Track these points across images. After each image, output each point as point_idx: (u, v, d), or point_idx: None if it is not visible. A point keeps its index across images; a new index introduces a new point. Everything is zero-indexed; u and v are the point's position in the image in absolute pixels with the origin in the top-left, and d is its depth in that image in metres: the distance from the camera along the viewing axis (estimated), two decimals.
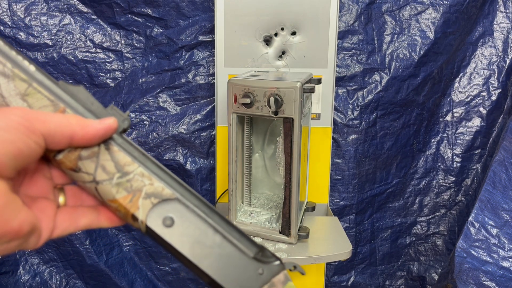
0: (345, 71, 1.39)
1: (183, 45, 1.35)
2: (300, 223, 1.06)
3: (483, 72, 1.44)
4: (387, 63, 1.39)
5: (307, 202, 1.18)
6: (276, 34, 1.15)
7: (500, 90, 1.44)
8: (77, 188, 0.35)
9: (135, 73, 1.37)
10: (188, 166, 1.41)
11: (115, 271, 1.46)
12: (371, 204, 1.52)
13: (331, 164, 1.36)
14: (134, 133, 1.38)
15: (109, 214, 0.34)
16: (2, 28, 1.28)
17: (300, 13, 1.13)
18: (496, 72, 1.43)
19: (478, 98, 1.46)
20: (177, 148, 1.41)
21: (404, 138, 1.47)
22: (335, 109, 1.40)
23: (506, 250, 1.15)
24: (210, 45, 1.35)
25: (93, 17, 1.34)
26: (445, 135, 1.50)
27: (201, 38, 1.34)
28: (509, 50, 1.42)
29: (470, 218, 1.19)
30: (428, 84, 1.42)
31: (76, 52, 1.34)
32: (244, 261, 0.34)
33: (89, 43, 1.34)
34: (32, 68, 0.31)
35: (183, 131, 1.39)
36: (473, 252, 1.16)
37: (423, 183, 1.53)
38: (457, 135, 1.49)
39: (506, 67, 1.43)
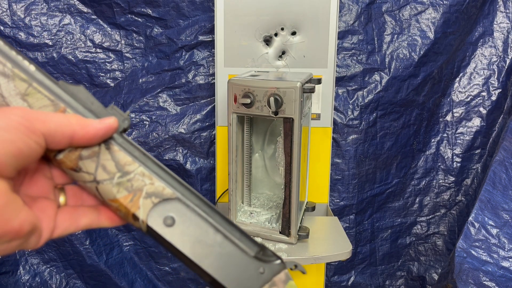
0: (345, 71, 1.39)
1: (183, 45, 1.35)
2: (300, 223, 1.06)
3: (483, 72, 1.44)
4: (387, 63, 1.39)
5: (307, 202, 1.18)
6: (276, 34, 1.15)
7: (500, 90, 1.44)
8: (78, 188, 0.35)
9: (135, 73, 1.37)
10: (188, 166, 1.41)
11: (115, 271, 1.46)
12: (371, 204, 1.52)
13: (331, 164, 1.36)
14: (134, 133, 1.38)
15: (109, 214, 0.34)
16: (2, 28, 1.28)
17: (300, 13, 1.13)
18: (496, 72, 1.43)
19: (478, 98, 1.46)
20: (177, 148, 1.41)
21: (404, 138, 1.47)
22: (335, 109, 1.40)
23: (506, 250, 1.15)
24: (210, 45, 1.35)
25: (93, 17, 1.34)
26: (445, 135, 1.50)
27: (201, 38, 1.35)
28: (509, 50, 1.42)
29: (470, 218, 1.19)
30: (428, 84, 1.42)
31: (76, 52, 1.34)
32: (245, 260, 0.34)
33: (89, 43, 1.34)
34: (32, 68, 0.31)
35: (183, 131, 1.39)
36: (473, 252, 1.16)
37: (423, 183, 1.53)
38: (457, 135, 1.49)
39: (506, 67, 1.43)
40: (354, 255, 1.55)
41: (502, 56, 1.42)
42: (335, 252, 1.00)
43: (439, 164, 1.51)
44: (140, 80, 1.38)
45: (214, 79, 1.27)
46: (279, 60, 1.17)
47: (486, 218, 1.19)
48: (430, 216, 1.55)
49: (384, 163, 1.48)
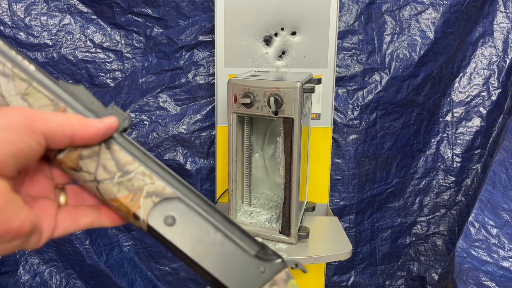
0: (345, 71, 1.39)
1: (183, 45, 1.35)
2: (300, 223, 1.06)
3: (483, 72, 1.44)
4: (387, 63, 1.39)
5: (307, 202, 1.18)
6: (276, 34, 1.16)
7: (500, 90, 1.44)
8: (78, 187, 0.35)
9: (135, 73, 1.37)
10: (188, 166, 1.41)
11: (115, 271, 1.46)
12: (371, 204, 1.52)
13: (331, 164, 1.36)
14: (134, 133, 1.38)
15: (110, 213, 0.34)
16: (2, 28, 1.28)
17: (300, 13, 1.13)
18: (496, 72, 1.44)
19: (478, 98, 1.46)
20: (177, 148, 1.41)
21: (404, 138, 1.47)
22: (335, 109, 1.40)
23: (506, 250, 1.15)
24: (210, 45, 1.35)
25: (93, 17, 1.34)
26: (445, 135, 1.50)
27: (201, 38, 1.35)
28: (509, 50, 1.42)
29: (470, 218, 1.19)
30: (428, 84, 1.42)
31: (76, 52, 1.34)
32: (246, 259, 0.34)
33: (89, 43, 1.34)
34: (32, 67, 0.31)
35: (183, 131, 1.39)
36: (473, 252, 1.16)
37: (423, 183, 1.53)
38: (457, 135, 1.49)
39: (506, 67, 1.43)
40: (354, 255, 1.55)
41: (502, 56, 1.42)
42: (335, 252, 1.00)
43: (439, 164, 1.51)
44: (140, 80, 1.38)
45: (214, 79, 1.27)
46: (279, 60, 1.17)
47: (486, 218, 1.19)
48: (430, 216, 1.55)
49: (384, 163, 1.48)
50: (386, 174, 1.50)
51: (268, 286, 0.34)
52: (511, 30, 1.41)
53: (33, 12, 1.30)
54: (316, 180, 1.24)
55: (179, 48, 1.35)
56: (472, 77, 1.45)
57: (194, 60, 1.36)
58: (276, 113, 0.91)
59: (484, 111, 1.46)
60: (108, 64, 1.36)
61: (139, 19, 1.34)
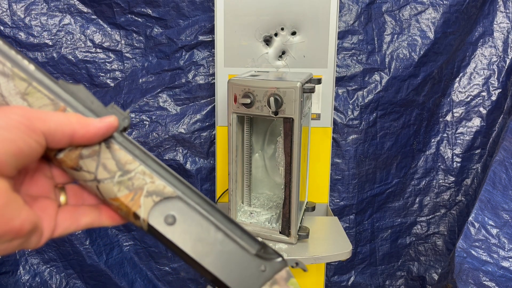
0: (345, 71, 1.39)
1: (183, 45, 1.35)
2: (300, 223, 1.06)
3: (483, 72, 1.44)
4: (387, 63, 1.39)
5: (307, 202, 1.18)
6: (276, 34, 1.16)
7: (500, 90, 1.44)
8: (78, 187, 0.35)
9: (135, 73, 1.37)
10: (188, 166, 1.41)
11: (115, 271, 1.46)
12: (371, 204, 1.52)
13: (331, 164, 1.36)
14: (134, 133, 1.38)
15: (110, 213, 0.34)
16: (2, 28, 1.28)
17: (300, 13, 1.13)
18: (496, 72, 1.44)
19: (478, 98, 1.46)
20: (177, 148, 1.41)
21: (404, 138, 1.47)
22: (335, 109, 1.40)
23: (506, 250, 1.15)
24: (210, 45, 1.35)
25: (93, 17, 1.34)
26: (445, 135, 1.50)
27: (201, 38, 1.35)
28: (509, 50, 1.42)
29: (470, 218, 1.19)
30: (428, 84, 1.42)
31: (76, 52, 1.34)
32: (246, 258, 0.34)
33: (89, 43, 1.34)
34: (31, 67, 0.31)
35: (183, 131, 1.39)
36: (473, 252, 1.16)
37: (423, 183, 1.53)
38: (457, 135, 1.49)
39: (506, 67, 1.43)
40: (354, 255, 1.55)
41: (502, 56, 1.43)
42: (335, 252, 1.00)
43: (439, 164, 1.51)
44: (140, 80, 1.38)
45: (214, 79, 1.27)
46: (279, 60, 1.17)
47: (486, 218, 1.19)
48: (430, 216, 1.55)
49: (384, 163, 1.48)
50: (386, 174, 1.50)
51: (269, 285, 0.34)
52: (511, 30, 1.41)
53: (33, 12, 1.30)
54: (316, 180, 1.24)
55: (179, 48, 1.35)
56: (472, 77, 1.45)
57: (194, 60, 1.36)
58: (276, 113, 0.91)
59: (484, 111, 1.46)
60: (108, 64, 1.36)
61: (139, 19, 1.34)
